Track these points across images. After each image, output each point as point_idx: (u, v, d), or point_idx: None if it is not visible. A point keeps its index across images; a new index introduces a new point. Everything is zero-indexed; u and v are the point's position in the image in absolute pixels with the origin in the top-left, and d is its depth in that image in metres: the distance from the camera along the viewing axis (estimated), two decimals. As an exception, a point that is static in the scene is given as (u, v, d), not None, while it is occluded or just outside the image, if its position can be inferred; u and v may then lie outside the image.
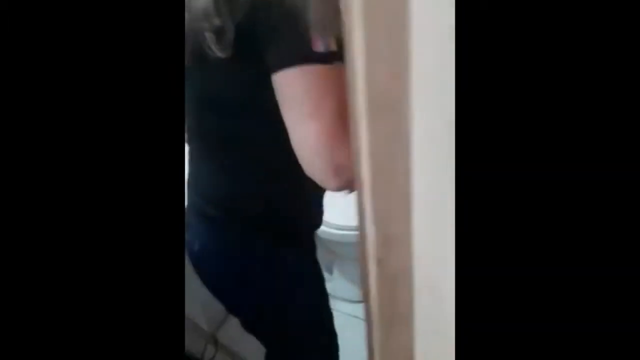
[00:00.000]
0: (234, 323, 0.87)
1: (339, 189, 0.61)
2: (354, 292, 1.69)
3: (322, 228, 1.47)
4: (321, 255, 0.93)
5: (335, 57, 0.57)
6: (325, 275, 1.65)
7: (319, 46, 0.56)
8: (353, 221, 1.65)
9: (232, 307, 0.84)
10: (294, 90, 0.59)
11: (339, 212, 1.49)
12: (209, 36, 0.61)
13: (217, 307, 0.87)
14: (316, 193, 0.81)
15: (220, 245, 0.79)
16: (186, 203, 0.82)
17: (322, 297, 0.88)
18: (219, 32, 0.61)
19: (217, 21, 0.60)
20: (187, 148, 0.81)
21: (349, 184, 0.60)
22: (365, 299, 0.46)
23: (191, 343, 0.85)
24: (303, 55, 0.57)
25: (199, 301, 0.88)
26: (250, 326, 0.86)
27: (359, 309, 1.63)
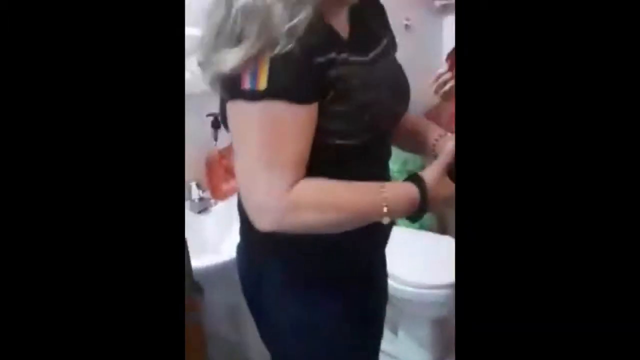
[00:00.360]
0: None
1: (270, 229, 0.59)
2: (424, 356, 1.54)
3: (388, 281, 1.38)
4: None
5: (268, 94, 0.56)
6: (390, 336, 1.55)
7: (246, 83, 0.56)
8: (424, 278, 1.50)
9: (259, 327, 0.82)
10: (229, 124, 0.62)
11: (408, 266, 1.39)
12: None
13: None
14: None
15: (252, 271, 0.78)
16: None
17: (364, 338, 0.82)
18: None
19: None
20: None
21: (285, 227, 0.59)
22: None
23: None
24: (230, 90, 0.59)
25: (254, 339, 0.86)
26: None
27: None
